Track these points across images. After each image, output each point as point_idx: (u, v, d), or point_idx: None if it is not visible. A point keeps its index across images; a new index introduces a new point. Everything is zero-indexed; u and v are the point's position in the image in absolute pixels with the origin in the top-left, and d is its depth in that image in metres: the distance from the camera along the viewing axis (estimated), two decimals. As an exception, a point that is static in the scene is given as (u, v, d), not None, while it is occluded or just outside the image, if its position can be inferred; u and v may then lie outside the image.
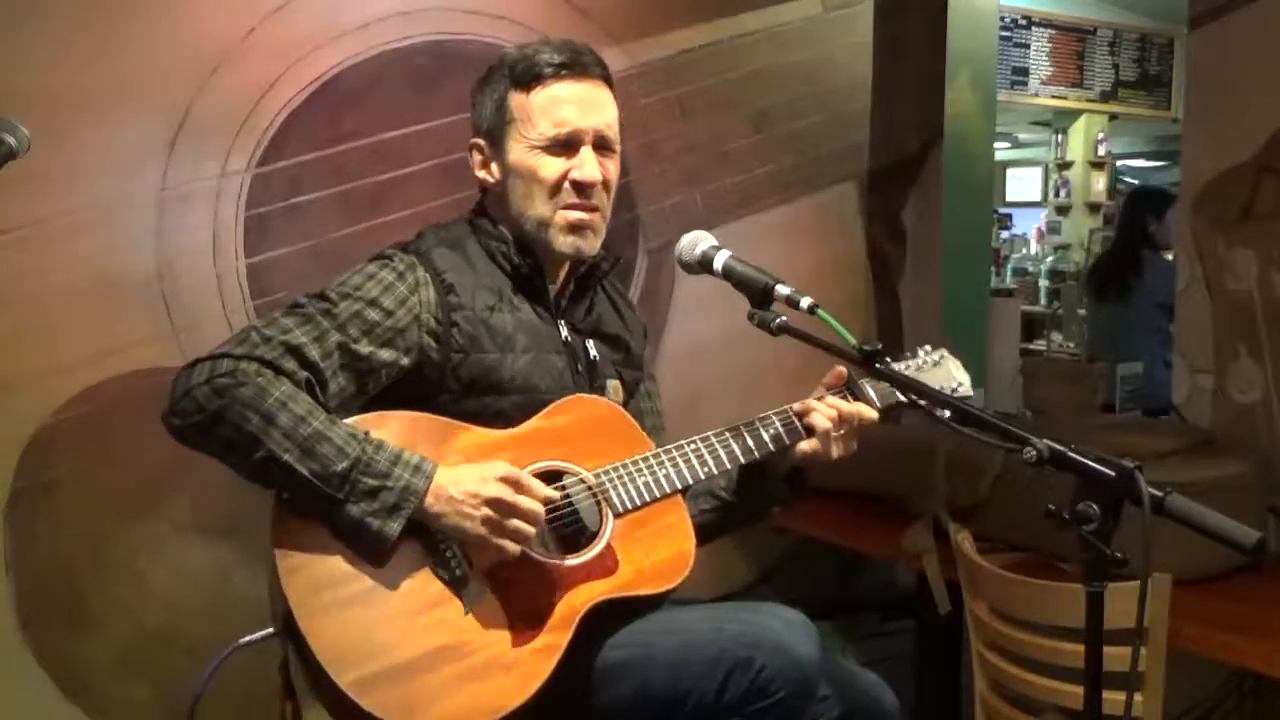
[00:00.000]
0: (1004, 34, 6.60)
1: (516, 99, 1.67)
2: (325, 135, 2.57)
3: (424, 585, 1.48)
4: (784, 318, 1.56)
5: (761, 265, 1.62)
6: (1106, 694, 1.30)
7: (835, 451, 1.67)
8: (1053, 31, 7.17)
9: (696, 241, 1.68)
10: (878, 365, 1.50)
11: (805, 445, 1.68)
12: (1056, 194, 8.54)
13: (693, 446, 1.66)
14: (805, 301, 1.54)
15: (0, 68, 2.24)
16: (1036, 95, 7.23)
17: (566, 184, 1.66)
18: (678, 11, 2.99)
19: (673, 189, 3.00)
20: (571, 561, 1.55)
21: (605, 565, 1.56)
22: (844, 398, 1.70)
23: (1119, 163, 9.54)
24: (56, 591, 2.37)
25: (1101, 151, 8.18)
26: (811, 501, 2.80)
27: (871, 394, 1.72)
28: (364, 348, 1.56)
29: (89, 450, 2.38)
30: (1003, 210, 9.06)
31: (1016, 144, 9.94)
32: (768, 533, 3.03)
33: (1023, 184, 9.18)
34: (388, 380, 1.60)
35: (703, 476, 1.66)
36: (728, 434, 1.68)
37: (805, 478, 1.77)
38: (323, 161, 2.57)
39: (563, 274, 1.76)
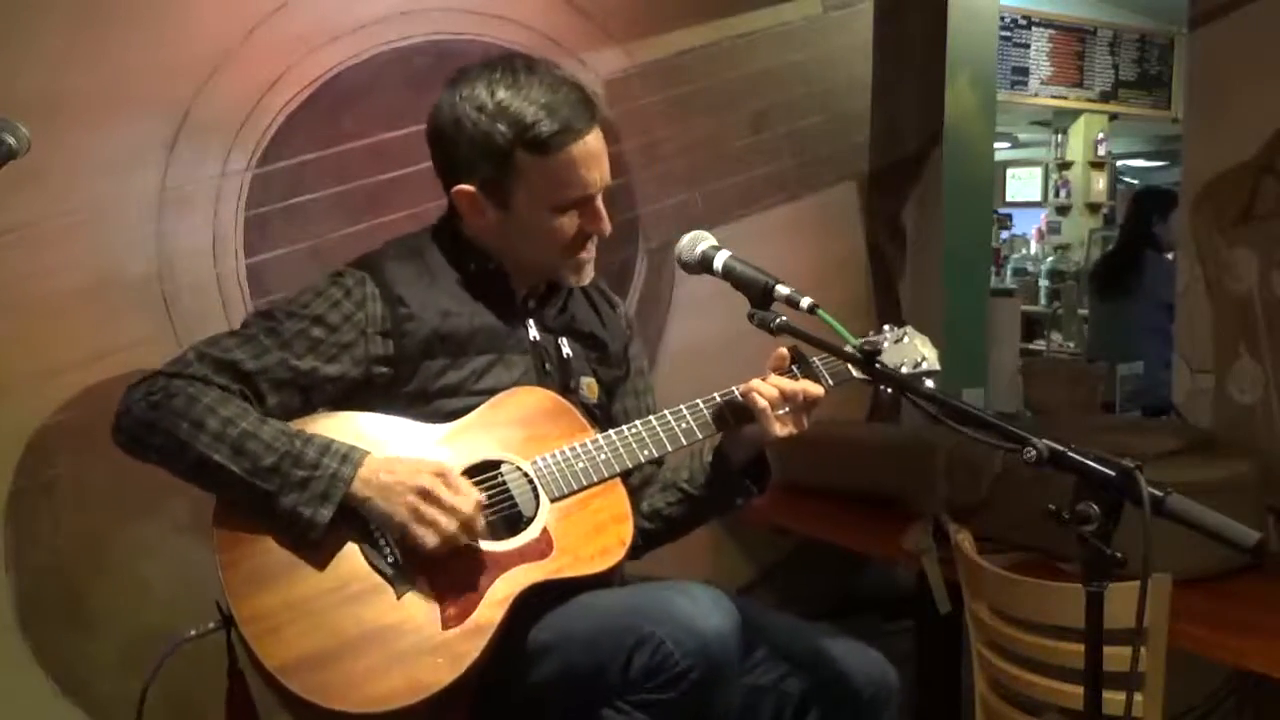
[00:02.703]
0: (1004, 34, 6.60)
1: (526, 160, 1.62)
2: (325, 135, 2.57)
3: (357, 573, 1.52)
4: (784, 318, 1.56)
5: (761, 265, 1.62)
6: (1106, 694, 1.30)
7: (780, 430, 1.64)
8: (1053, 31, 7.17)
9: (696, 241, 1.68)
10: (877, 365, 1.50)
11: (752, 426, 1.67)
12: (1056, 194, 8.53)
13: (633, 430, 1.67)
14: (805, 301, 1.54)
15: (1, 68, 2.24)
16: (1036, 95, 7.23)
17: (581, 236, 1.69)
18: (678, 11, 2.99)
19: (673, 189, 3.00)
20: (504, 547, 1.57)
21: (539, 549, 1.58)
22: (791, 377, 1.68)
23: (1119, 163, 9.54)
24: (56, 591, 2.37)
25: (1101, 151, 8.18)
26: (811, 501, 2.84)
27: (822, 370, 1.70)
28: (307, 363, 1.60)
29: (89, 450, 2.37)
30: (1003, 210, 9.06)
31: (1016, 144, 9.94)
32: (768, 533, 3.03)
33: (1023, 184, 9.17)
34: (336, 392, 1.63)
35: (642, 460, 1.66)
36: (669, 416, 1.69)
37: (767, 468, 1.76)
38: (323, 161, 2.57)
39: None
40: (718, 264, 1.64)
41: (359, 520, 1.53)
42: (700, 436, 1.69)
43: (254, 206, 2.50)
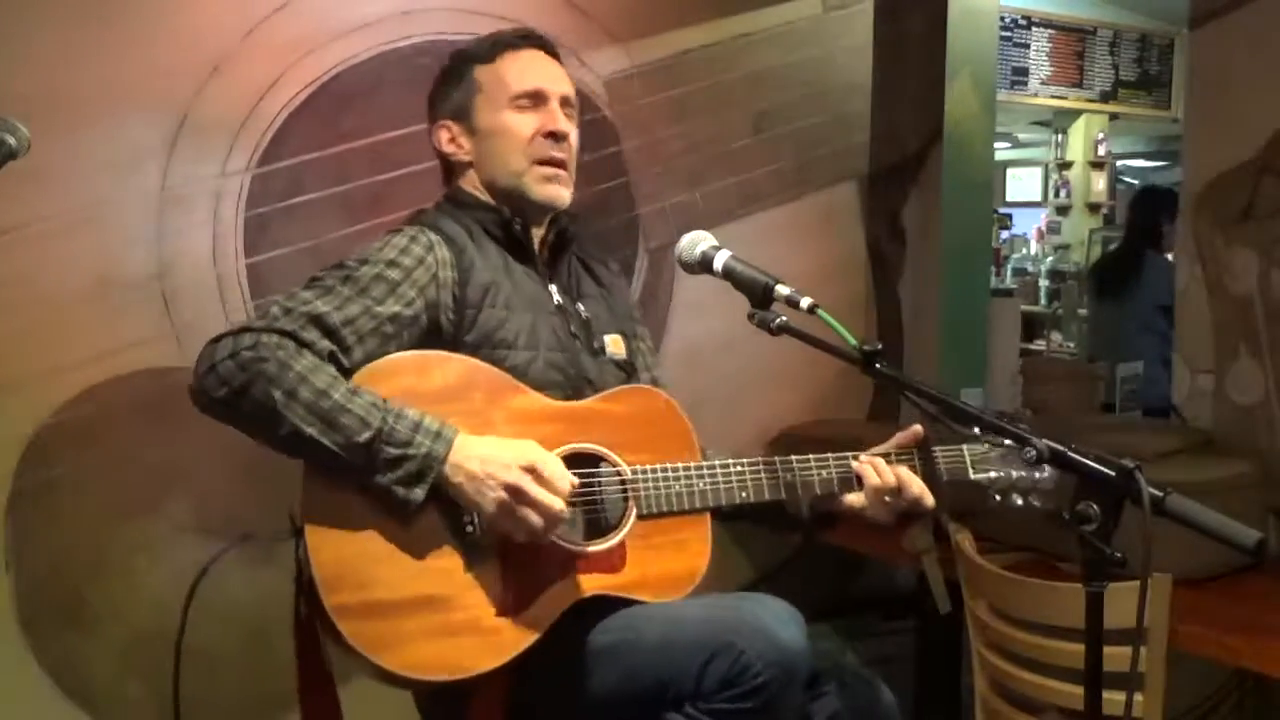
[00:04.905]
0: (1004, 34, 6.60)
1: (483, 72, 1.79)
2: (325, 135, 2.57)
3: (434, 536, 1.51)
4: (784, 318, 1.56)
5: (761, 265, 1.62)
6: (1106, 694, 1.30)
7: (873, 513, 1.67)
8: (1053, 31, 7.17)
9: (696, 241, 1.68)
10: (877, 366, 1.50)
11: (851, 497, 1.69)
12: (1056, 194, 8.52)
13: (738, 469, 1.66)
14: (805, 301, 1.54)
15: (0, 68, 2.24)
16: (1036, 95, 7.22)
17: (540, 136, 1.74)
18: (678, 11, 2.99)
19: (673, 189, 3.00)
20: (579, 549, 1.57)
21: (612, 561, 1.58)
22: (910, 463, 1.68)
23: (1119, 163, 9.53)
24: (56, 591, 2.37)
25: (1101, 151, 8.17)
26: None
27: (940, 464, 1.70)
28: (388, 308, 1.60)
29: (89, 450, 2.38)
30: (1003, 210, 9.05)
31: (1016, 144, 9.93)
32: (769, 533, 3.03)
33: (1023, 184, 9.16)
34: (410, 339, 1.62)
35: (738, 501, 1.66)
36: (778, 465, 1.68)
37: (835, 523, 1.77)
38: (323, 161, 2.57)
39: (539, 237, 1.80)
40: (718, 264, 1.64)
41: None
42: (801, 495, 1.69)
43: (254, 206, 2.51)
